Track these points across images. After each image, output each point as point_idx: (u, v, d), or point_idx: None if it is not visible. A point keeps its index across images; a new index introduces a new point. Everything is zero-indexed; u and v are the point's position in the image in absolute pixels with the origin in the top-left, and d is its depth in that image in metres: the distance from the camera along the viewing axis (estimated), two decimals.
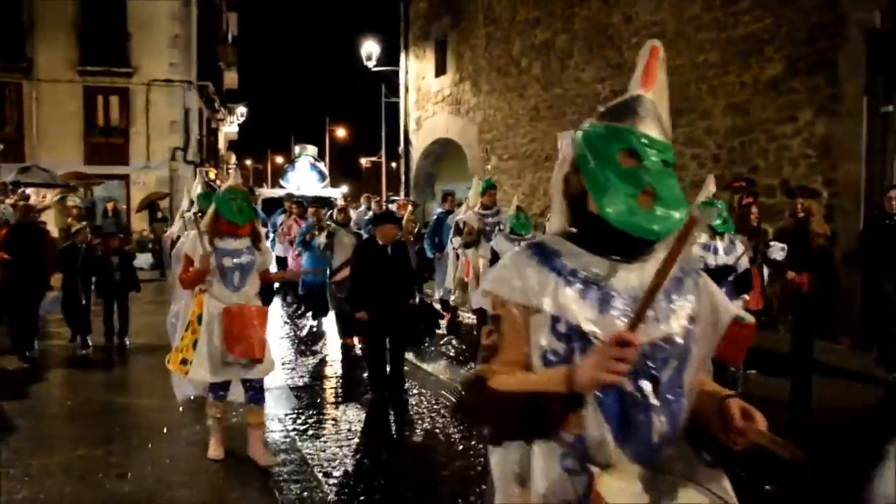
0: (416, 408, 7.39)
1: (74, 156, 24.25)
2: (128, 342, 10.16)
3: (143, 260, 19.13)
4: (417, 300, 7.95)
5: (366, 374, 7.96)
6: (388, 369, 7.52)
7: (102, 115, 25.42)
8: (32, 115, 24.50)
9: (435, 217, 13.43)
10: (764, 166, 11.13)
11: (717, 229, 6.66)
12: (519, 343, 1.90)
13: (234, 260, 5.45)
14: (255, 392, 5.65)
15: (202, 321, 5.43)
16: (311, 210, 11.82)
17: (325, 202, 14.22)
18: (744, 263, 6.73)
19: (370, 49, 24.35)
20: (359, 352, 9.55)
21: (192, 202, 9.03)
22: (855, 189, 9.78)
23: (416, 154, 22.61)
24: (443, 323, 10.00)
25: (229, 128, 39.74)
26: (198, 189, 9.09)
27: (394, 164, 32.39)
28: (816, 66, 10.32)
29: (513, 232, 8.76)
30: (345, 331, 10.02)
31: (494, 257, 8.46)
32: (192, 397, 6.13)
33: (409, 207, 14.40)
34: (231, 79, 39.70)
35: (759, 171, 11.17)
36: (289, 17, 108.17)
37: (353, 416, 7.15)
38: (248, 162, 52.13)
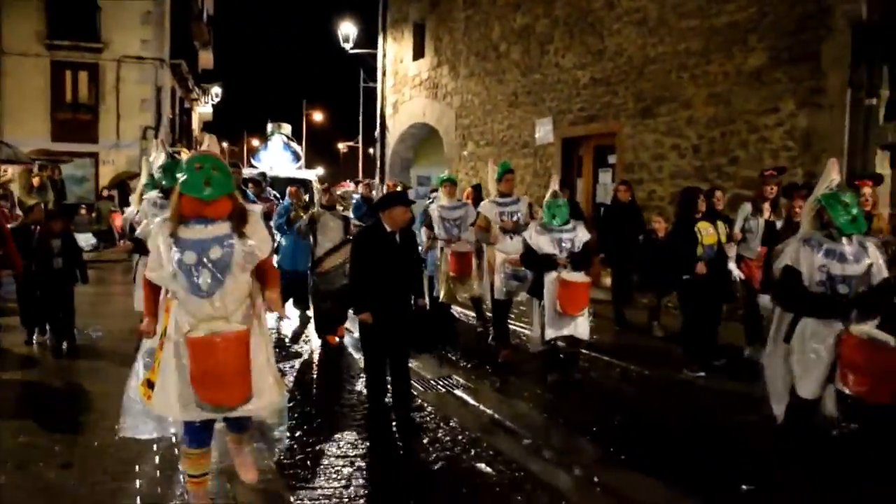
0: (432, 432, 6.09)
1: (41, 132, 23.73)
2: (64, 346, 8.49)
3: (83, 240, 17.27)
4: (428, 300, 7.16)
5: (360, 384, 7.14)
6: (389, 381, 6.26)
7: (71, 91, 24.83)
8: None
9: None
10: (744, 158, 10.95)
11: (844, 229, 5.07)
12: None
13: (202, 255, 4.03)
14: (240, 424, 4.55)
15: (168, 333, 4.17)
16: (290, 190, 10.51)
17: (301, 183, 12.75)
18: (879, 272, 5.10)
19: (347, 31, 24.03)
20: (355, 354, 8.49)
21: (151, 178, 7.92)
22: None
23: (392, 138, 22.27)
24: None
25: (203, 108, 39.13)
26: (159, 161, 7.70)
27: (371, 150, 32.10)
28: (800, 58, 10.13)
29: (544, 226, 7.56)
30: (324, 327, 9.10)
31: (529, 252, 7.41)
32: (155, 437, 4.77)
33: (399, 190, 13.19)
34: (206, 58, 39.04)
35: (739, 162, 11.00)
36: None
37: (348, 443, 5.77)
38: (224, 144, 51.55)
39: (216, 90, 38.91)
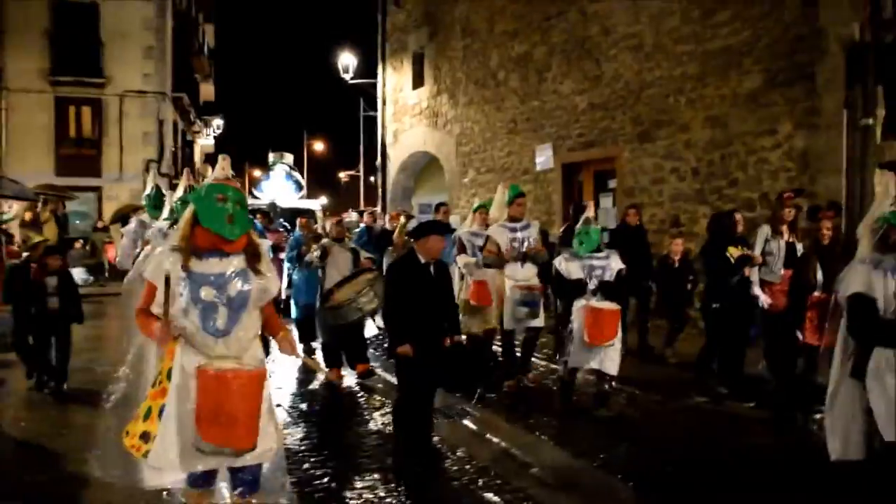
0: (440, 462, 5.93)
1: (45, 167, 23.85)
2: (65, 387, 8.13)
3: (76, 274, 16.88)
4: (464, 337, 6.52)
5: (382, 427, 6.85)
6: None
7: (74, 126, 25.03)
8: (1, 126, 24.06)
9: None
10: (743, 179, 11.05)
11: None
12: None
13: (221, 290, 3.78)
14: (248, 483, 3.98)
15: (172, 378, 3.78)
16: (300, 221, 10.21)
17: (305, 214, 12.43)
18: None
19: (347, 61, 24.21)
20: (354, 385, 8.40)
21: (171, 211, 7.45)
22: (834, 202, 9.67)
23: (393, 167, 22.41)
24: None
25: (205, 140, 39.40)
26: (178, 193, 7.38)
27: (372, 179, 32.23)
28: (795, 79, 10.27)
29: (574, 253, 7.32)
30: (331, 361, 8.81)
31: (559, 278, 7.24)
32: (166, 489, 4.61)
33: (402, 219, 12.54)
34: (207, 91, 39.41)
35: (738, 184, 11.09)
36: (266, 30, 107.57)
37: (356, 475, 5.63)
38: (230, 173, 51.53)
39: (217, 122, 39.20)
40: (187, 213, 3.90)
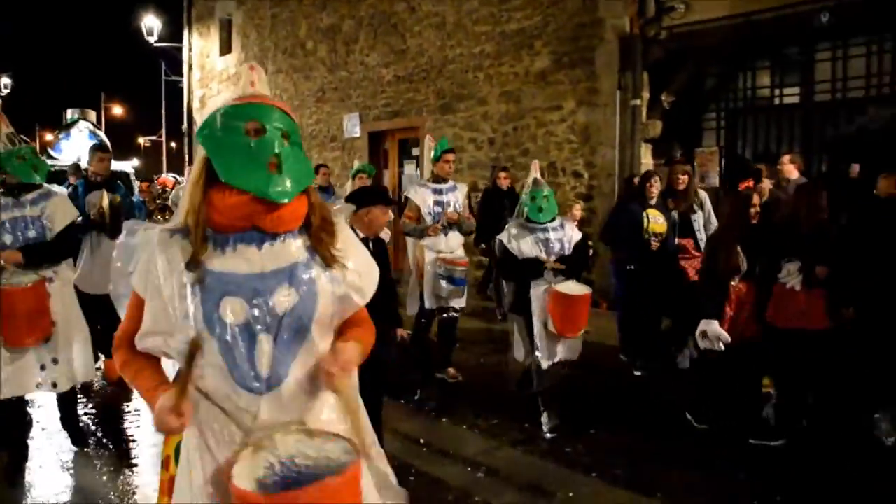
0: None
1: None
2: None
3: None
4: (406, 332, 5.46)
5: None
6: None
7: None
8: None
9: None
10: (534, 149, 12.25)
11: None
12: None
13: (260, 306, 2.04)
14: None
15: (177, 481, 2.19)
16: (140, 185, 8.87)
17: (121, 176, 10.72)
18: None
19: (151, 24, 23.70)
20: None
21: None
22: (610, 171, 11.10)
23: None
24: None
25: None
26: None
27: (174, 144, 31.60)
28: (578, 62, 11.53)
29: (530, 219, 6.02)
30: None
31: (507, 258, 6.02)
32: None
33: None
34: None
35: (529, 153, 12.28)
36: None
37: None
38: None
39: (5, 81, 36.82)
40: (196, 164, 2.14)
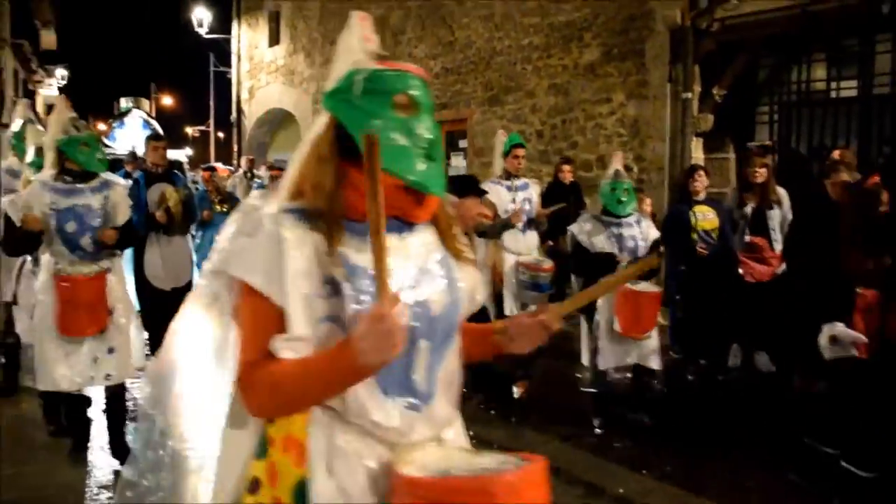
0: None
1: None
2: None
3: None
4: None
5: None
6: None
7: None
8: None
9: None
10: (582, 143, 12.17)
11: None
12: None
13: (419, 304, 1.70)
14: None
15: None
16: (202, 174, 8.65)
17: (175, 165, 10.30)
18: None
19: (201, 15, 23.96)
20: None
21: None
22: (660, 165, 10.97)
23: (248, 123, 22.54)
24: None
25: (48, 91, 37.56)
26: (15, 126, 6.33)
27: (220, 134, 31.92)
28: (628, 54, 11.41)
29: (606, 212, 5.77)
30: None
31: (580, 252, 5.74)
32: None
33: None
34: (49, 39, 37.44)
35: (578, 146, 12.20)
36: None
37: None
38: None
39: (62, 72, 37.44)
40: (323, 136, 1.76)
